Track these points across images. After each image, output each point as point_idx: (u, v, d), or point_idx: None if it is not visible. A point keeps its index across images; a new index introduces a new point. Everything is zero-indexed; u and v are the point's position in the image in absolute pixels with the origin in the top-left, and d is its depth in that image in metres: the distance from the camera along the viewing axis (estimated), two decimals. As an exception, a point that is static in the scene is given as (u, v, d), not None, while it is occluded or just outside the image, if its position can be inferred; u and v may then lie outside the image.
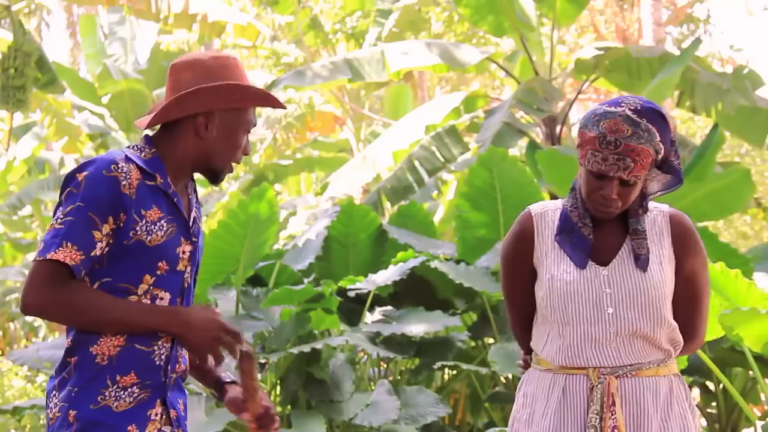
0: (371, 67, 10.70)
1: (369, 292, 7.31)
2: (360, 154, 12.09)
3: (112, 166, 2.65)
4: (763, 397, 7.55)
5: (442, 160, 11.00)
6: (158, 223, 2.70)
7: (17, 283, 14.44)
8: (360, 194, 16.92)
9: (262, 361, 6.71)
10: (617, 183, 2.87)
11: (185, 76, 2.75)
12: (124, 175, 2.66)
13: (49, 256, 2.59)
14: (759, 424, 5.69)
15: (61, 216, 2.63)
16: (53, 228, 2.62)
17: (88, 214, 2.62)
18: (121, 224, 2.65)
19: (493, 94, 16.56)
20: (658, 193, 2.98)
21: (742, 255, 7.08)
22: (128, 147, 2.77)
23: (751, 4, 23.42)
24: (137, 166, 2.70)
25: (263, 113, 18.17)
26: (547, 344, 2.97)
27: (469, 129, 11.78)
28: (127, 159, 2.70)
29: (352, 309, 7.53)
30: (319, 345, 6.53)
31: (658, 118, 2.87)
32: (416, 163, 10.92)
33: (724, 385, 7.13)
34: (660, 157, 2.87)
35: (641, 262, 2.90)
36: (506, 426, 7.04)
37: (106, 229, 2.64)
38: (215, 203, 16.85)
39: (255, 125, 2.83)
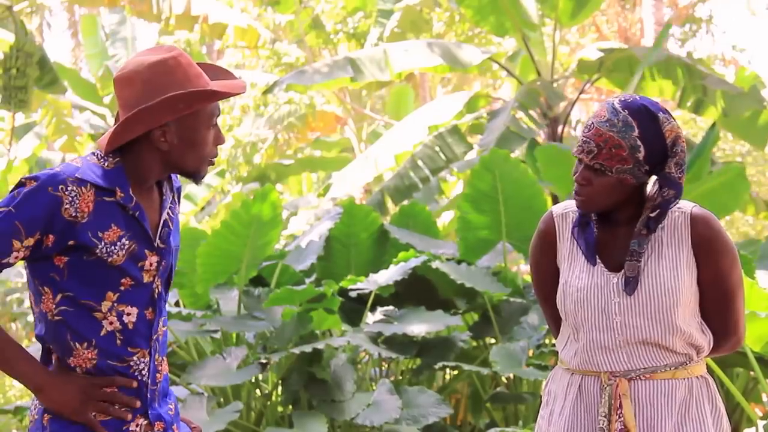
0: (374, 67, 10.70)
1: (370, 292, 7.31)
2: (362, 155, 12.09)
3: (60, 187, 2.55)
4: (764, 396, 7.54)
5: (444, 159, 11.00)
6: (118, 243, 2.61)
7: (18, 284, 14.44)
8: (361, 194, 16.92)
9: (263, 361, 6.72)
10: (584, 167, 2.84)
11: (126, 93, 2.63)
12: (70, 199, 2.56)
13: None
14: (761, 423, 5.69)
15: None
16: None
17: (15, 223, 2.54)
18: (45, 244, 2.57)
19: (493, 93, 16.55)
20: (656, 212, 2.83)
21: (744, 254, 7.07)
22: (93, 153, 2.67)
23: (753, 4, 23.38)
24: (93, 184, 2.60)
25: (264, 113, 18.16)
26: (565, 346, 2.98)
27: (471, 130, 11.78)
28: (81, 181, 2.59)
29: (353, 309, 7.53)
30: (320, 345, 6.53)
31: (644, 115, 2.80)
32: (419, 163, 10.92)
33: (725, 385, 7.12)
34: (641, 156, 2.79)
35: (629, 286, 2.84)
36: (507, 426, 7.04)
37: (28, 242, 2.56)
38: (217, 204, 16.85)
39: (218, 113, 2.71)
